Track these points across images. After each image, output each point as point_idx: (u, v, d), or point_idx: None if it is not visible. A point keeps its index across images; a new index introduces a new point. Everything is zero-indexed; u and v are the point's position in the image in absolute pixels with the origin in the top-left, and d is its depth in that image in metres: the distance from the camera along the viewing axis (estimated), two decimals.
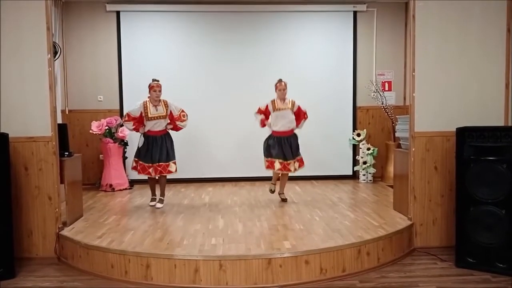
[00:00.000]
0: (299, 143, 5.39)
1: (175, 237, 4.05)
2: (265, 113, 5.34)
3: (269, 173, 5.54)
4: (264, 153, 5.35)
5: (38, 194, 4.20)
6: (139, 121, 5.16)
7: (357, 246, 3.76)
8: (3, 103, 4.09)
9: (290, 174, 5.47)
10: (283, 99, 5.28)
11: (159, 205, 5.29)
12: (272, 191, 5.52)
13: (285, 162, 5.24)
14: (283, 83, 5.26)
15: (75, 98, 6.89)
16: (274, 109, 5.27)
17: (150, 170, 5.15)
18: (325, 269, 3.62)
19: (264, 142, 5.38)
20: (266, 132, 5.44)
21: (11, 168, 3.91)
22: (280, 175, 5.45)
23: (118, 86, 6.93)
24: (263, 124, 5.38)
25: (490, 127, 3.87)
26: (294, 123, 5.31)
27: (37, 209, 4.21)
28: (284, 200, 5.46)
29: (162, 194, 5.38)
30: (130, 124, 5.17)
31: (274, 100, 5.30)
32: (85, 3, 6.80)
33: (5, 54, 4.08)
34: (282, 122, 5.25)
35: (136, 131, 5.28)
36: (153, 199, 5.41)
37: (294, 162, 5.29)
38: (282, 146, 5.22)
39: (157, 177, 5.27)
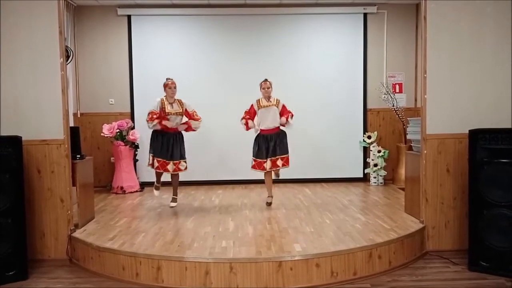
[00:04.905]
0: (287, 141, 5.33)
1: (186, 239, 4.06)
2: (251, 113, 5.32)
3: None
4: (253, 154, 5.33)
5: (50, 196, 4.24)
6: (160, 118, 5.19)
7: (368, 249, 3.73)
8: (17, 106, 4.14)
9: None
10: (267, 97, 5.31)
11: (172, 204, 5.43)
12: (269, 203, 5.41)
13: (273, 159, 5.24)
14: (267, 82, 5.29)
15: (86, 101, 6.96)
16: (259, 107, 5.29)
17: (168, 166, 5.22)
18: (336, 272, 3.60)
19: (254, 144, 5.34)
20: None
21: (24, 170, 3.96)
22: (264, 176, 5.40)
23: (129, 89, 6.99)
24: (247, 127, 5.34)
25: (503, 129, 3.83)
26: (279, 121, 5.27)
27: (49, 211, 4.24)
28: (268, 204, 5.38)
29: (175, 194, 5.49)
30: (155, 123, 5.13)
31: (259, 99, 5.34)
32: (96, 8, 6.87)
33: (19, 58, 4.13)
34: (268, 120, 5.26)
35: (161, 128, 5.21)
36: (156, 187, 5.48)
37: (279, 159, 5.24)
38: (269, 144, 5.23)
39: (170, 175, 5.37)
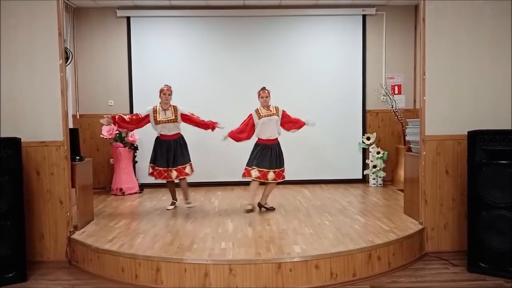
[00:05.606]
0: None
1: (185, 241, 4.06)
2: (248, 125, 5.20)
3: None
4: (254, 163, 5.14)
5: (49, 198, 4.23)
6: (131, 123, 5.26)
7: (367, 250, 3.73)
8: (16, 108, 4.14)
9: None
10: (266, 106, 5.21)
11: (189, 205, 5.43)
12: (251, 211, 5.22)
13: (278, 171, 5.13)
14: (266, 91, 5.20)
15: (86, 102, 6.96)
16: (260, 116, 5.17)
17: (166, 174, 5.23)
18: (336, 273, 3.60)
19: (255, 151, 5.20)
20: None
21: (24, 172, 3.95)
22: (266, 185, 5.25)
23: (128, 90, 6.99)
24: (236, 139, 5.27)
25: (502, 130, 3.83)
26: (278, 132, 5.20)
27: (48, 213, 4.24)
28: (271, 209, 5.27)
29: (187, 197, 5.46)
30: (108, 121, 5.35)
31: (258, 108, 5.23)
32: (96, 9, 6.88)
33: (18, 59, 4.13)
34: (268, 131, 5.14)
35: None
36: (172, 203, 5.49)
37: (274, 172, 5.12)
38: (271, 154, 5.12)
39: (177, 181, 5.37)
